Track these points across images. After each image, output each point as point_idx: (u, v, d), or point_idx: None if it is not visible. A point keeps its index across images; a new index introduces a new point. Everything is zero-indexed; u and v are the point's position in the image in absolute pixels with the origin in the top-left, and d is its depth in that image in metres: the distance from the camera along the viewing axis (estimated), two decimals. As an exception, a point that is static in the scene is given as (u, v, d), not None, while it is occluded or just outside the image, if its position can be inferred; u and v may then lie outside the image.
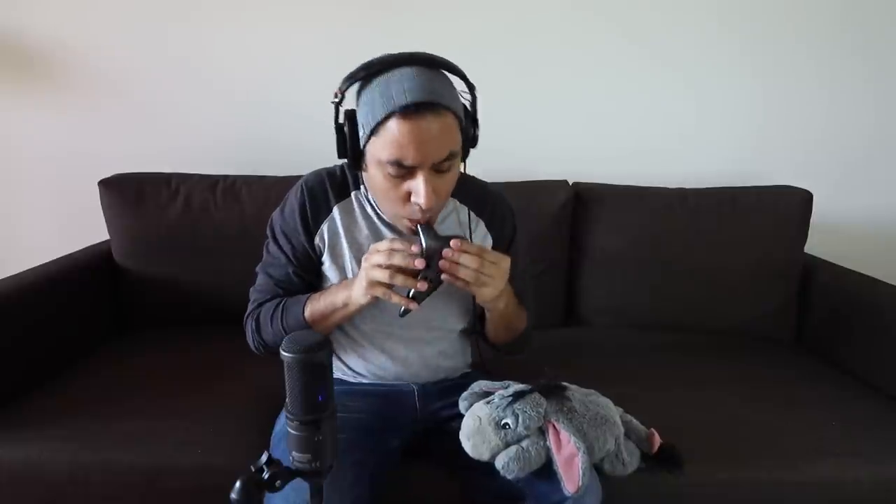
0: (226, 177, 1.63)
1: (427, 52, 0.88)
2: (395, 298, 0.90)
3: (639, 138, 1.88)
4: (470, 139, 0.92)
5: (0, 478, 1.08)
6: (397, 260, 0.88)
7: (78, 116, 1.80)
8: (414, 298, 0.90)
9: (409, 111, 0.82)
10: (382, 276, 0.88)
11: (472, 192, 1.07)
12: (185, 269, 1.58)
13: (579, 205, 1.70)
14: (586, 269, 1.71)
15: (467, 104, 0.91)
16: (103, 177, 1.59)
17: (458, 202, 1.06)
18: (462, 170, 0.96)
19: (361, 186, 1.05)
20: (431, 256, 0.88)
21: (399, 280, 0.88)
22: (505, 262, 0.93)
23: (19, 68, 1.76)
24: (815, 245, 1.73)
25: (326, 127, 1.97)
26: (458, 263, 0.88)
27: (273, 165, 1.67)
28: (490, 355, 1.16)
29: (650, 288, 1.67)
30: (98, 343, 1.50)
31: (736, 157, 1.90)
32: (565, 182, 1.72)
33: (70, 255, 1.55)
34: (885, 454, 1.14)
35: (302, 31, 1.77)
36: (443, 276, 0.90)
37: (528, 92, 1.83)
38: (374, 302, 0.94)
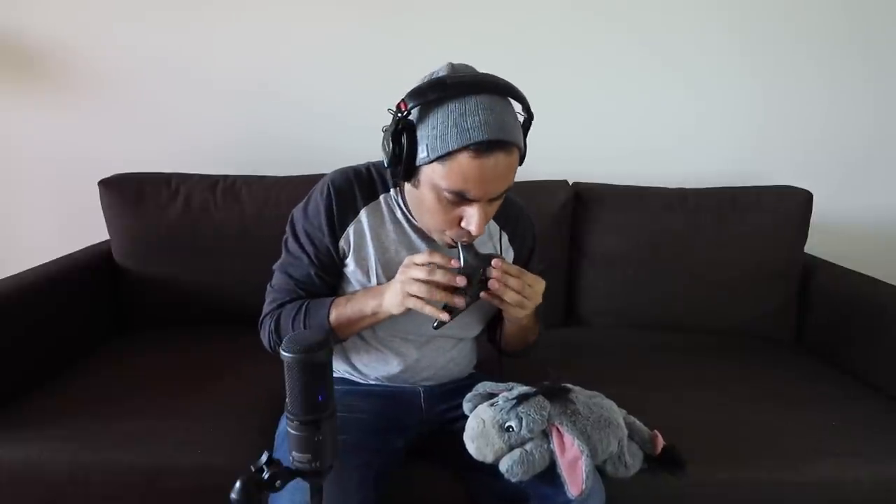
0: (226, 177, 1.63)
1: (495, 75, 0.86)
2: (429, 310, 0.89)
3: (639, 138, 1.88)
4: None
5: (0, 478, 1.08)
6: (439, 277, 0.87)
7: (78, 116, 1.80)
8: (448, 311, 0.89)
9: (483, 148, 0.81)
10: (421, 290, 0.87)
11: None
12: (185, 269, 1.58)
13: (579, 205, 1.70)
14: (586, 269, 1.71)
15: (522, 133, 0.90)
16: (103, 177, 1.59)
17: None
18: None
19: (391, 189, 1.02)
20: (470, 274, 0.88)
21: (439, 296, 0.87)
22: (541, 285, 0.93)
23: (19, 68, 1.76)
24: (815, 245, 1.73)
25: (327, 127, 1.96)
26: (505, 285, 0.88)
27: (273, 165, 1.67)
28: (488, 354, 1.16)
29: (650, 288, 1.67)
30: (98, 343, 1.50)
31: (736, 157, 1.90)
32: (565, 182, 1.72)
33: (70, 255, 1.55)
34: (885, 454, 1.14)
35: (302, 30, 1.77)
36: (482, 295, 0.90)
37: (528, 92, 1.81)
38: (407, 313, 0.93)
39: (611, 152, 1.87)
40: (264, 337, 1.05)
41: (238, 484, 0.56)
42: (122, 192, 1.58)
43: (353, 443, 0.93)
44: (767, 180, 1.77)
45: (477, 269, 0.89)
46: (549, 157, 1.81)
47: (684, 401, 1.26)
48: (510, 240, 1.09)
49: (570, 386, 1.00)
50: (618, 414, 1.00)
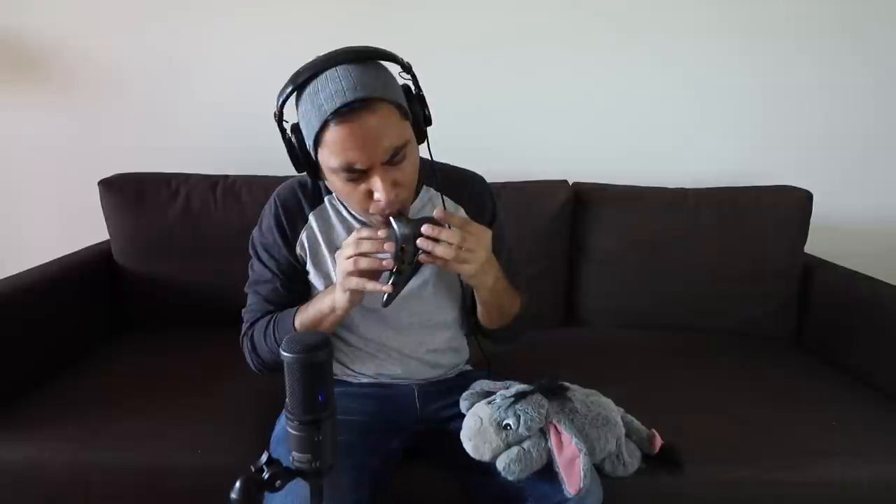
0: (226, 177, 1.63)
1: (349, 46, 0.85)
2: (370, 286, 0.87)
3: (639, 138, 1.88)
4: (422, 120, 0.90)
5: (0, 478, 1.08)
6: (365, 247, 0.87)
7: (78, 116, 1.80)
8: (393, 285, 0.87)
9: (341, 115, 0.80)
10: (349, 265, 0.87)
11: (448, 179, 1.04)
12: (185, 269, 1.58)
13: (579, 205, 1.70)
14: (586, 269, 1.71)
15: (410, 85, 0.89)
16: (103, 177, 1.59)
17: (433, 191, 1.05)
18: (430, 156, 0.94)
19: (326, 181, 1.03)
20: (408, 240, 0.86)
21: (364, 262, 0.86)
22: (485, 234, 0.91)
23: (20, 68, 1.76)
24: (815, 245, 1.73)
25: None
26: (436, 241, 0.85)
27: (273, 165, 1.66)
28: (491, 350, 1.15)
29: (650, 288, 1.67)
30: (98, 343, 1.50)
31: (736, 157, 1.90)
32: (565, 182, 1.72)
33: (70, 255, 1.55)
34: (885, 454, 1.14)
35: (302, 30, 1.77)
36: (421, 257, 0.87)
37: (529, 92, 1.83)
38: (358, 300, 0.92)
39: (611, 152, 1.87)
40: (247, 358, 1.07)
41: (238, 484, 0.56)
42: (122, 192, 1.58)
43: (347, 444, 0.93)
44: (767, 180, 1.77)
45: (411, 235, 0.86)
46: (549, 157, 1.82)
47: (684, 400, 1.26)
48: (467, 211, 1.07)
49: (567, 384, 1.00)
50: (616, 412, 1.01)
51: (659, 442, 1.04)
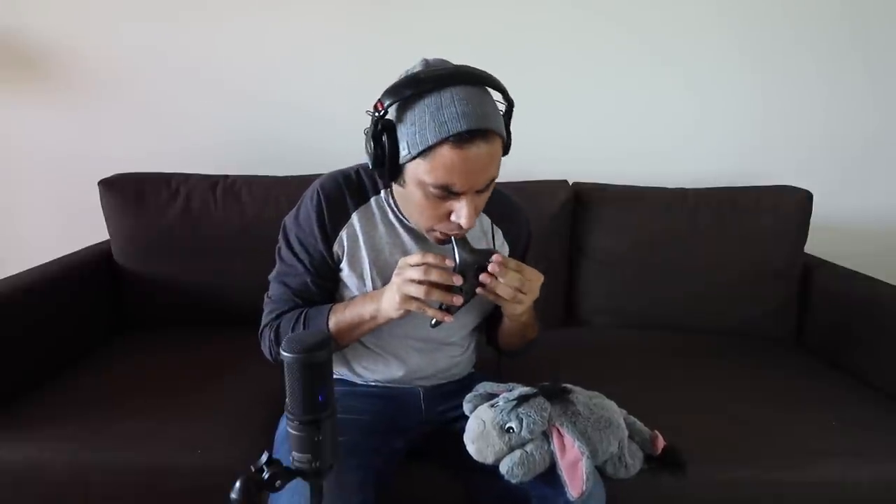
0: (226, 177, 1.63)
1: (470, 66, 0.86)
2: (431, 312, 0.88)
3: (639, 138, 1.88)
4: (506, 150, 0.91)
5: (0, 478, 1.08)
6: (434, 276, 0.86)
7: (78, 116, 1.80)
8: (447, 310, 0.88)
9: (462, 139, 0.80)
10: (418, 291, 0.86)
11: (492, 200, 1.03)
12: (185, 269, 1.58)
13: (579, 205, 1.70)
14: (586, 269, 1.71)
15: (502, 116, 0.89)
16: (103, 177, 1.59)
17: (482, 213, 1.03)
18: None
19: (382, 191, 1.02)
20: (465, 270, 0.87)
21: (436, 296, 0.86)
22: (539, 279, 0.92)
23: (20, 68, 1.76)
24: (815, 245, 1.73)
25: (327, 127, 1.95)
26: (497, 280, 0.87)
27: (273, 165, 1.67)
28: (488, 354, 1.16)
29: (650, 288, 1.67)
30: (98, 343, 1.50)
31: (736, 157, 1.90)
32: (565, 182, 1.72)
33: (70, 255, 1.55)
34: (885, 454, 1.15)
35: (302, 30, 1.77)
36: (478, 291, 0.89)
37: (528, 92, 1.81)
38: (406, 316, 0.92)
39: (611, 152, 1.87)
40: (265, 348, 1.04)
41: (238, 484, 0.56)
42: (122, 192, 1.58)
43: (352, 444, 0.93)
44: (767, 180, 1.77)
45: (472, 264, 0.88)
46: (549, 157, 1.81)
47: (684, 401, 1.26)
48: (504, 235, 1.08)
49: (570, 386, 1.00)
50: (618, 414, 1.00)
51: (661, 443, 1.04)
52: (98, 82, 1.78)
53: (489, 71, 0.88)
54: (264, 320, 1.04)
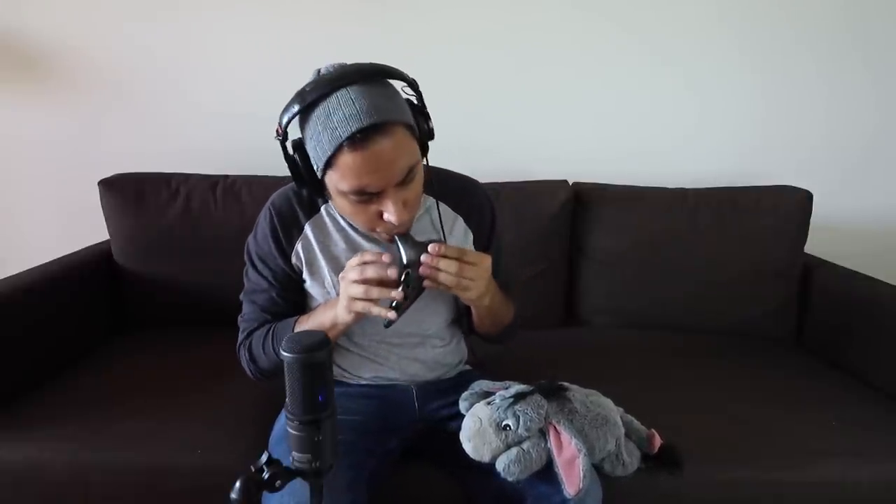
0: (226, 177, 1.63)
1: (356, 63, 0.84)
2: (376, 311, 0.87)
3: (639, 138, 1.88)
4: (426, 134, 0.89)
5: (0, 478, 1.08)
6: (370, 273, 0.86)
7: (78, 116, 1.80)
8: (395, 308, 0.88)
9: (356, 140, 0.79)
10: (358, 291, 0.86)
11: (447, 186, 1.04)
12: (185, 269, 1.58)
13: (579, 205, 1.70)
14: (586, 269, 1.71)
15: (413, 99, 0.88)
16: (103, 177, 1.59)
17: (432, 199, 1.03)
18: (426, 162, 0.92)
19: (330, 200, 1.02)
20: (413, 264, 0.87)
21: (375, 293, 0.86)
22: (485, 261, 0.91)
23: (20, 68, 1.76)
24: (815, 245, 1.73)
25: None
26: (438, 269, 0.86)
27: (273, 165, 1.65)
28: (487, 351, 1.16)
29: (650, 288, 1.67)
30: (98, 343, 1.50)
31: (736, 157, 1.90)
32: (565, 182, 1.72)
33: (70, 255, 1.55)
34: (885, 454, 1.14)
35: (302, 29, 1.77)
36: (424, 283, 0.89)
37: (528, 92, 1.83)
38: (361, 318, 0.93)
39: (611, 152, 1.87)
40: (244, 366, 1.06)
41: (238, 484, 0.56)
42: (122, 192, 1.58)
43: (345, 444, 0.93)
44: (767, 180, 1.77)
45: (416, 258, 0.87)
46: (549, 157, 1.82)
47: (684, 401, 1.26)
48: (466, 220, 1.07)
49: (566, 384, 1.00)
50: (615, 412, 1.00)
51: (658, 442, 1.04)
52: (98, 82, 1.78)
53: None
54: (239, 339, 1.07)
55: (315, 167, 0.85)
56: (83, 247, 1.63)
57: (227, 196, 1.59)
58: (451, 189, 1.05)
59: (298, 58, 1.79)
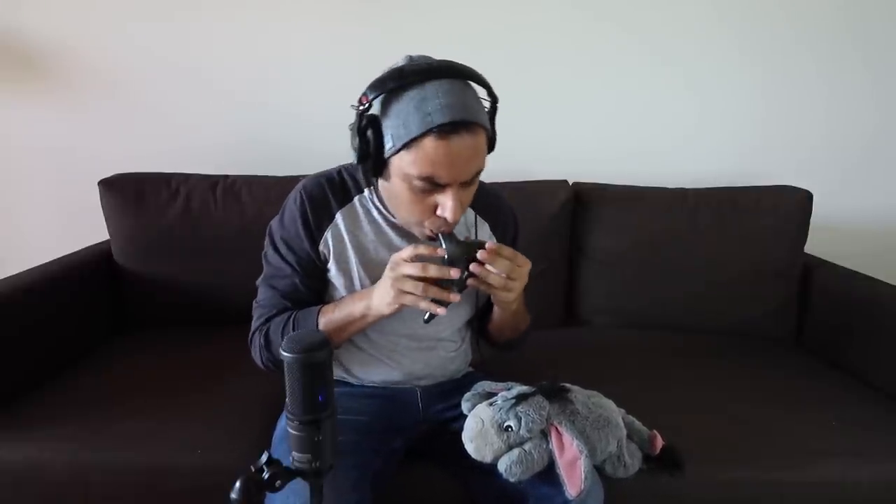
0: (226, 177, 1.63)
1: (453, 61, 0.86)
2: (425, 305, 0.87)
3: (639, 138, 1.88)
4: (492, 145, 0.91)
5: (0, 478, 1.08)
6: (432, 272, 0.86)
7: (78, 116, 1.80)
8: (440, 303, 0.88)
9: (446, 130, 0.81)
10: (414, 287, 0.86)
11: (477, 193, 1.04)
12: (185, 269, 1.58)
13: (579, 205, 1.70)
14: (586, 269, 1.71)
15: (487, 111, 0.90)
16: (103, 177, 1.59)
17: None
18: None
19: (365, 190, 1.02)
20: (455, 263, 0.87)
21: (433, 292, 0.86)
22: (527, 265, 0.92)
23: (20, 68, 1.76)
24: (815, 245, 1.73)
25: (326, 127, 1.95)
26: (489, 270, 0.87)
27: (273, 165, 1.67)
28: (488, 354, 1.15)
29: (650, 288, 1.67)
30: (98, 343, 1.50)
31: (736, 157, 1.90)
32: (565, 182, 1.72)
33: (70, 255, 1.55)
34: (885, 454, 1.15)
35: (302, 30, 1.77)
36: (469, 282, 0.89)
37: (528, 92, 1.83)
38: (398, 312, 0.92)
39: (611, 152, 1.87)
40: (255, 354, 1.05)
41: (238, 484, 0.56)
42: (122, 192, 1.57)
43: (349, 444, 0.93)
44: (767, 180, 1.77)
45: (461, 257, 0.87)
46: (549, 157, 1.82)
47: (684, 401, 1.26)
48: (492, 228, 1.08)
49: (568, 385, 1.00)
50: (616, 413, 1.00)
51: (660, 443, 1.04)
52: (98, 82, 1.78)
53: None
54: (254, 325, 1.05)
55: (389, 145, 0.84)
56: (83, 247, 1.63)
57: (227, 196, 1.59)
58: (481, 196, 1.04)
59: (298, 58, 1.79)
